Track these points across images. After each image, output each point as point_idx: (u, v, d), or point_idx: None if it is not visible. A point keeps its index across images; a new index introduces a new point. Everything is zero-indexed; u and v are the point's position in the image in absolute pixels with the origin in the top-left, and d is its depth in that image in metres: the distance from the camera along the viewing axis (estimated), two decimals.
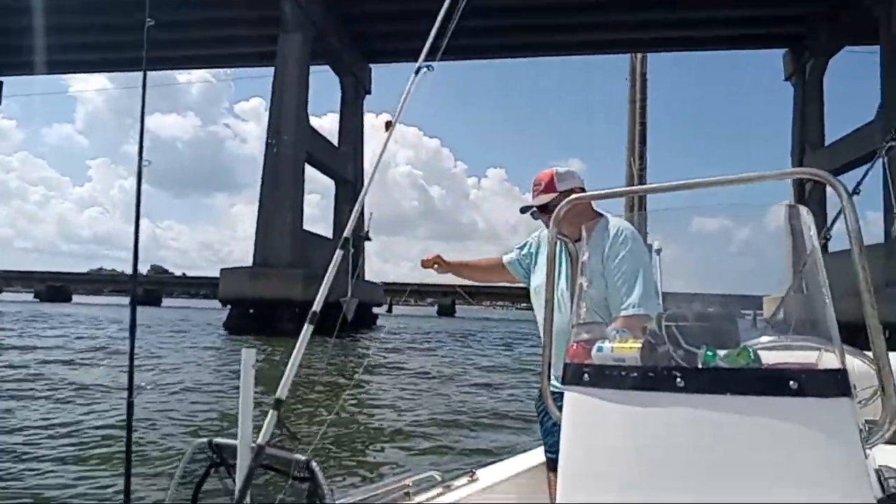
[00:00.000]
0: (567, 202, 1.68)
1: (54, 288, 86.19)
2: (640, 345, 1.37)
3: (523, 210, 2.47)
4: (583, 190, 2.38)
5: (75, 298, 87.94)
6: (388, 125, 1.82)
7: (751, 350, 1.32)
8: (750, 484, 1.18)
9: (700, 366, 1.30)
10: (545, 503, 2.33)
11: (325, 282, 1.17)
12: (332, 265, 1.14)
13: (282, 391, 1.09)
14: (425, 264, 2.64)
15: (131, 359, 0.89)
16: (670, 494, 1.25)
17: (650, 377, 1.31)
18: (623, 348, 1.38)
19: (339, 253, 1.19)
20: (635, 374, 1.33)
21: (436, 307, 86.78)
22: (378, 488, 1.94)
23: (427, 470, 2.18)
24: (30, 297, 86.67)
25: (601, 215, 2.34)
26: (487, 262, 2.79)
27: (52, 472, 6.07)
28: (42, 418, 8.72)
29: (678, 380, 1.27)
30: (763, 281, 1.76)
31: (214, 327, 32.76)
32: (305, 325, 1.16)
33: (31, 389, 11.17)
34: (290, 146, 34.29)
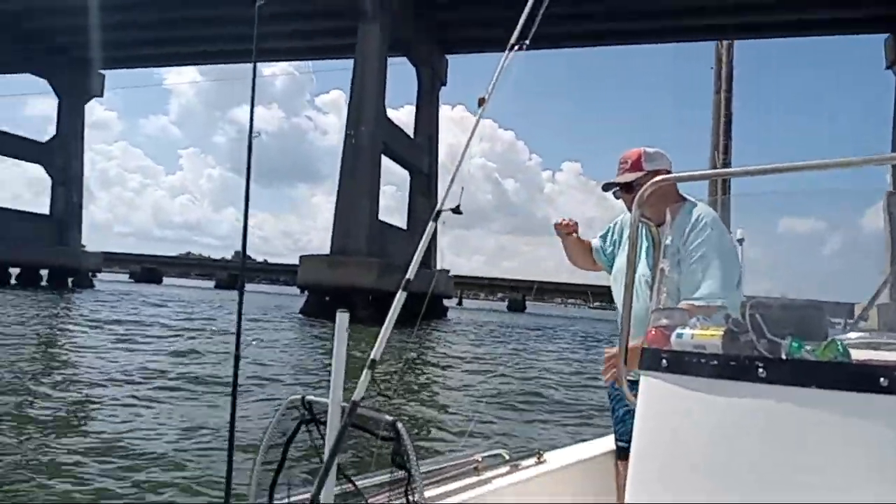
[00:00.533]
0: (652, 184, 1.63)
1: (147, 270, 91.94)
2: (721, 332, 1.35)
3: (605, 187, 2.39)
4: (669, 173, 2.25)
5: (165, 280, 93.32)
6: (481, 102, 1.80)
7: (839, 343, 1.28)
8: (831, 481, 1.15)
9: (784, 356, 1.27)
10: (612, 490, 2.32)
11: (419, 249, 1.20)
12: (426, 234, 1.17)
13: (376, 352, 1.16)
14: (561, 228, 2.56)
15: (239, 317, 0.98)
16: (745, 487, 1.23)
17: (731, 366, 1.28)
18: (704, 335, 1.37)
19: (431, 225, 1.22)
20: (715, 362, 1.31)
21: (506, 302, 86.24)
22: (449, 460, 2.01)
23: (496, 448, 2.21)
24: (125, 277, 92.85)
25: (685, 199, 2.26)
26: (588, 245, 2.67)
27: (169, 415, 7.35)
28: (160, 373, 10.18)
29: (760, 370, 1.24)
30: (856, 285, 1.68)
31: (292, 313, 34.05)
32: (399, 292, 1.23)
33: (143, 351, 12.64)
34: (368, 137, 34.96)
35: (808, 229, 1.60)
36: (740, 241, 2.13)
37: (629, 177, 2.29)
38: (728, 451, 1.28)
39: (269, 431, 1.45)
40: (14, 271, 46.56)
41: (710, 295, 2.00)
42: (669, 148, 2.34)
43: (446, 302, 45.27)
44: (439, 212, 1.37)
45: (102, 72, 53.44)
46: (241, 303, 1.05)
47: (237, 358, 0.99)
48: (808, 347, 1.27)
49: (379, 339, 1.16)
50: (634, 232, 1.70)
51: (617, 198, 2.38)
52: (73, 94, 51.74)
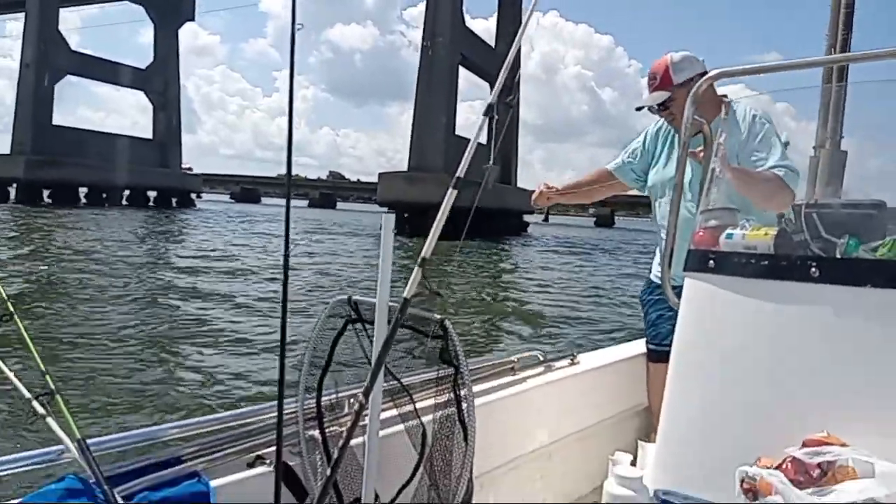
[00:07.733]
0: (708, 78, 1.60)
1: (246, 190, 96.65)
2: (774, 232, 1.32)
3: (638, 109, 2.30)
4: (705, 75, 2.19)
5: (263, 200, 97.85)
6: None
7: None
8: (886, 379, 1.12)
9: (839, 255, 1.23)
10: (642, 390, 2.40)
11: (468, 150, 1.18)
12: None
13: (426, 251, 1.17)
14: (539, 201, 2.50)
15: (286, 224, 1.03)
16: (794, 388, 1.21)
17: (782, 266, 1.26)
18: (755, 236, 1.34)
19: (451, 193, 1.18)
20: (766, 262, 1.28)
21: (594, 218, 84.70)
22: (487, 360, 2.10)
23: (531, 349, 2.27)
24: (226, 198, 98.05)
25: (724, 99, 2.14)
26: (596, 175, 2.57)
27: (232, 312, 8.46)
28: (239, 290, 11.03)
29: (813, 269, 1.21)
30: None
31: (376, 229, 35.14)
32: (449, 190, 1.21)
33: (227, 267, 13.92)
34: (444, 48, 33.99)
35: None
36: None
37: (657, 97, 2.19)
38: (776, 353, 1.26)
39: (315, 331, 1.49)
40: (125, 193, 50.35)
41: (785, 165, 1.94)
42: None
43: (528, 218, 44.90)
44: (490, 106, 1.32)
45: None
46: (288, 209, 1.10)
47: (286, 270, 1.04)
48: (865, 247, 1.22)
49: (429, 238, 1.17)
50: (688, 132, 1.65)
51: (654, 113, 2.29)
52: (167, 19, 53.37)
